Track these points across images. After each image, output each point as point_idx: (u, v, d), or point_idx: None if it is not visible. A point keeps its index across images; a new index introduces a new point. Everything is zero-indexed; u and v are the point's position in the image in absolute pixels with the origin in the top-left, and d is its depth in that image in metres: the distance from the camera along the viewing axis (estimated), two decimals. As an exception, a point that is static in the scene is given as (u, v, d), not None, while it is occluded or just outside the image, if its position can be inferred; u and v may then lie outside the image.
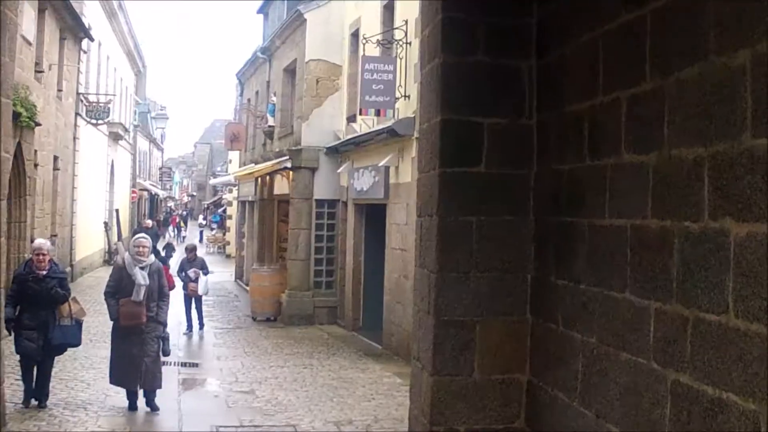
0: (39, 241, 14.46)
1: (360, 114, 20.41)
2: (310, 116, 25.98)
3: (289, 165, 26.31)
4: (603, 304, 6.77)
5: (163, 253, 26.03)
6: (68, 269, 31.37)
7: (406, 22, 19.53)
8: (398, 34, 19.86)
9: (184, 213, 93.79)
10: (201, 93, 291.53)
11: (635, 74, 6.25)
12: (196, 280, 22.76)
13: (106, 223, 43.21)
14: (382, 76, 19.67)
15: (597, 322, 6.87)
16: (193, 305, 23.53)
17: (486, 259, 8.28)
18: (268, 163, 30.12)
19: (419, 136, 9.39)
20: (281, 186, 29.51)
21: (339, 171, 25.20)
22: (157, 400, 13.67)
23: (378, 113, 19.95)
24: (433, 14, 8.66)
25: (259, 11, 39.79)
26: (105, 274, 34.99)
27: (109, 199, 45.41)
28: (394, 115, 19.86)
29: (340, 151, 25.11)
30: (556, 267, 7.82)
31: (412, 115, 18.53)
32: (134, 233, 39.89)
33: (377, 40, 20.71)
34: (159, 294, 13.46)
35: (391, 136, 19.74)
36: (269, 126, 31.32)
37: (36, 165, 25.18)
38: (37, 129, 23.88)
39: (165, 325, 13.78)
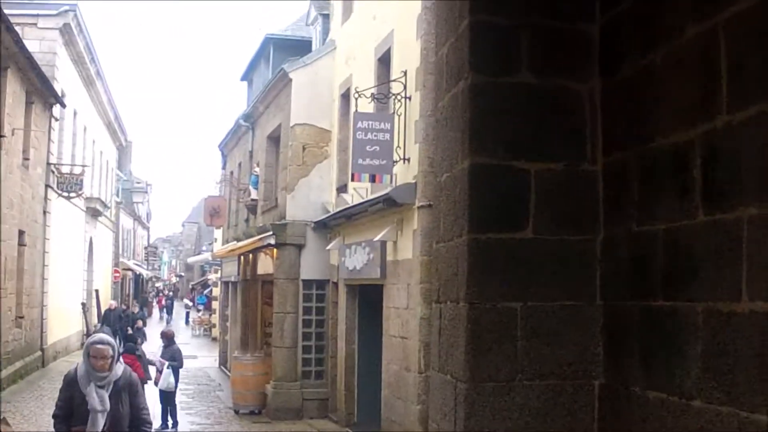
0: None
1: (352, 180, 18.02)
2: (295, 187, 24.11)
3: (272, 241, 24.32)
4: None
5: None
6: (38, 354, 29.17)
7: (405, 73, 17.30)
8: (395, 88, 17.52)
9: (171, 294, 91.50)
10: (188, 169, 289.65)
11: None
12: (161, 371, 20.20)
13: (83, 304, 41.27)
14: (378, 135, 17.34)
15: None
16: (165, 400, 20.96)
17: (536, 362, 5.85)
18: (250, 240, 28.06)
19: (437, 192, 6.85)
20: (265, 265, 27.50)
21: (328, 248, 23.25)
22: None
23: (373, 179, 17.56)
24: (456, 20, 6.21)
25: (243, 78, 38.24)
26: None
27: (88, 279, 43.60)
28: (391, 182, 17.56)
29: (329, 226, 23.28)
30: (645, 372, 5.36)
31: (413, 181, 16.49)
32: (104, 318, 37.85)
33: (371, 94, 18.37)
34: (135, 421, 9.34)
35: (388, 206, 17.63)
36: (252, 199, 29.35)
37: None
38: None
39: None
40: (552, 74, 5.95)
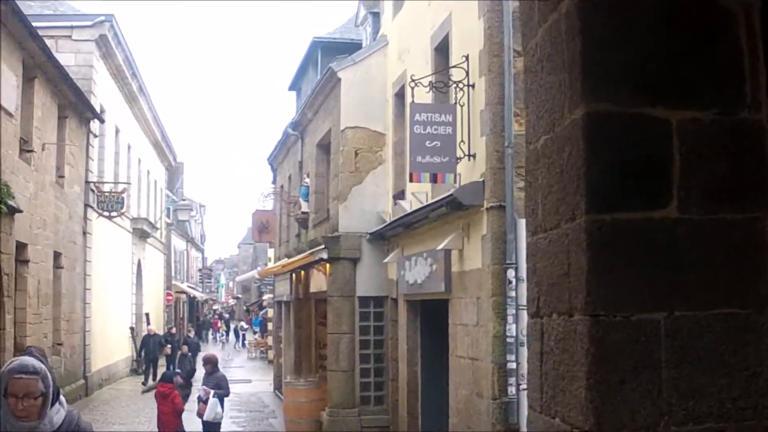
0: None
1: (410, 180, 16.04)
2: (348, 196, 22.44)
3: (324, 256, 22.66)
4: None
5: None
6: (81, 382, 27.75)
7: (467, 57, 15.27)
8: (456, 75, 15.57)
9: (227, 316, 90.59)
10: (242, 189, 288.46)
11: None
12: (206, 401, 18.23)
13: (132, 329, 39.87)
14: (438, 129, 15.35)
15: None
16: (206, 433, 19.07)
17: (688, 399, 3.80)
18: (300, 255, 26.44)
19: (531, 165, 4.80)
20: (318, 282, 25.85)
21: (386, 261, 21.55)
22: None
23: (434, 179, 15.55)
24: None
25: (291, 87, 36.65)
26: (131, 386, 31.82)
27: (137, 302, 42.23)
28: (455, 182, 15.56)
29: (386, 237, 21.58)
30: None
31: (480, 180, 14.41)
32: (142, 344, 36.08)
33: (429, 82, 16.37)
34: None
35: (452, 210, 15.68)
36: (302, 213, 27.59)
37: (25, 261, 21.79)
38: (27, 219, 21.06)
39: None
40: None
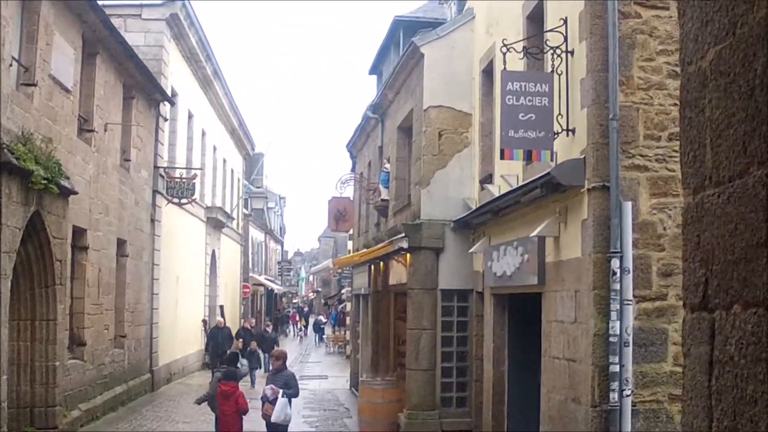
0: None
1: (502, 157, 14.31)
2: (431, 181, 21.04)
3: (404, 245, 21.28)
4: None
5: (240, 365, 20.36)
6: (147, 376, 26.67)
7: (565, 20, 13.60)
8: (553, 40, 13.83)
9: (306, 309, 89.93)
10: (322, 182, 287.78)
11: None
12: (273, 401, 16.69)
13: (205, 321, 38.74)
14: (533, 100, 13.64)
15: None
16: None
17: None
18: (378, 245, 25.13)
19: (684, 90, 3.10)
20: (398, 274, 24.52)
21: (471, 251, 20.18)
22: None
23: (528, 156, 13.85)
24: None
25: (372, 71, 35.24)
26: (201, 381, 30.66)
27: (210, 294, 41.27)
28: (552, 159, 13.83)
29: (471, 225, 20.21)
30: None
31: (581, 156, 12.66)
32: (209, 337, 34.69)
33: (523, 47, 14.67)
34: None
35: (548, 192, 14.06)
36: (382, 200, 26.19)
37: (84, 248, 20.79)
38: (86, 203, 20.22)
39: None
40: None
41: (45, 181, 15.81)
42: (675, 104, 12.71)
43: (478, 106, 20.47)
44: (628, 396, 12.17)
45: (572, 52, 13.57)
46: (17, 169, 14.74)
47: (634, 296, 12.39)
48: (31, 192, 15.58)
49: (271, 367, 20.46)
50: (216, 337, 32.67)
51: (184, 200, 30.72)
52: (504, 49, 14.39)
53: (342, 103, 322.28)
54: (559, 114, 13.72)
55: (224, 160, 44.92)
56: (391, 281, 26.16)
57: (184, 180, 30.58)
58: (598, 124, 12.56)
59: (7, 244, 14.60)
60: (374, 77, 35.74)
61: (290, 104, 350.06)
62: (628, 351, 12.21)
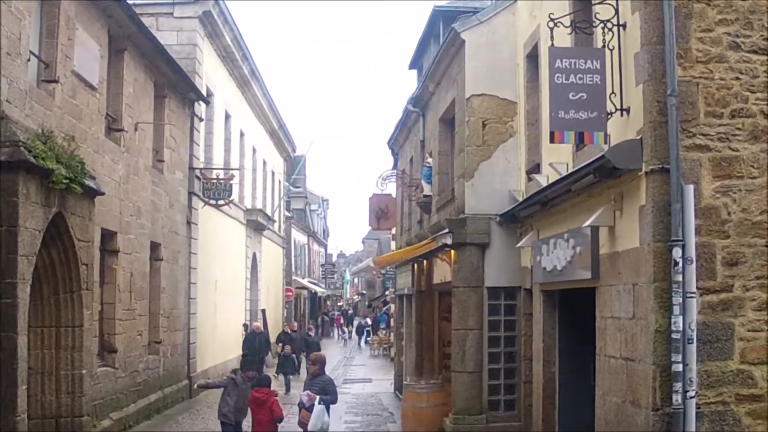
0: None
1: (551, 141, 13.36)
2: (475, 173, 20.22)
3: (448, 241, 20.50)
4: None
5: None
6: (184, 383, 26.04)
7: (617, -7, 12.66)
8: (603, 13, 12.91)
9: (350, 312, 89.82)
10: (366, 184, 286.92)
11: None
12: (310, 408, 15.92)
13: (245, 326, 37.95)
14: (584, 78, 12.69)
15: None
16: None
17: None
18: (421, 243, 24.40)
19: None
20: (442, 272, 23.73)
21: (519, 245, 19.35)
22: None
23: (580, 138, 12.89)
24: None
25: (412, 66, 34.51)
26: None
27: (251, 298, 40.69)
28: (605, 142, 12.91)
29: (518, 218, 19.30)
30: None
31: (637, 137, 11.80)
32: (244, 343, 33.92)
33: (571, 21, 13.74)
34: None
35: (601, 177, 13.14)
36: (425, 196, 25.43)
37: (114, 252, 20.20)
38: (116, 204, 19.79)
39: None
40: None
41: (67, 181, 15.06)
42: (736, 78, 11.80)
43: (523, 94, 19.68)
44: (692, 398, 11.24)
45: (624, 26, 12.63)
46: (36, 167, 14.02)
47: (698, 288, 11.45)
48: (52, 192, 14.85)
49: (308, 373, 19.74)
50: (252, 343, 31.99)
51: (221, 201, 30.09)
52: (551, 24, 13.50)
53: (383, 100, 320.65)
54: (612, 92, 12.75)
55: (264, 162, 44.40)
56: (435, 280, 25.48)
57: (220, 181, 29.97)
58: (656, 102, 11.62)
59: (26, 247, 13.85)
60: (414, 72, 34.91)
61: (331, 103, 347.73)
62: (692, 348, 11.29)
